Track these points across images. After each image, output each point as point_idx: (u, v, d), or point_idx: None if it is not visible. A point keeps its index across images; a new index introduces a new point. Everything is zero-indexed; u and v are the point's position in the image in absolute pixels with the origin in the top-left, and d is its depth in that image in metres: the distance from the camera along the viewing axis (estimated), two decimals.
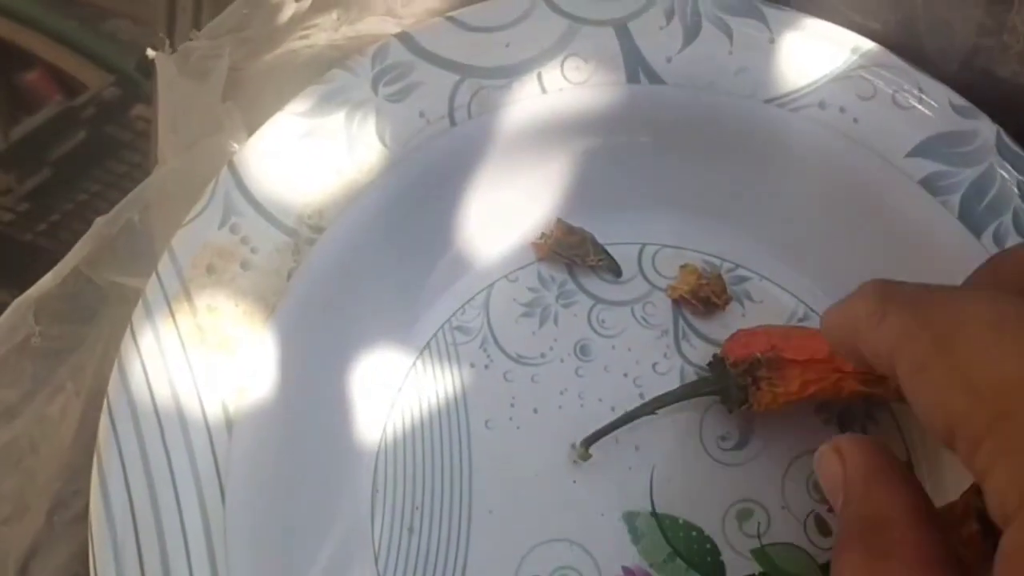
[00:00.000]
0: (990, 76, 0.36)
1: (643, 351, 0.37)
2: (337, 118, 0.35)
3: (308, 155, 0.35)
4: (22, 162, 0.67)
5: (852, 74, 0.37)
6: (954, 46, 0.36)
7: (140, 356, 0.32)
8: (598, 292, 0.38)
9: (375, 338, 0.36)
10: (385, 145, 0.35)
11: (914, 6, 0.36)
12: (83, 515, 0.31)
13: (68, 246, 0.68)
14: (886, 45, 0.37)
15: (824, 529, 0.35)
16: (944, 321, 0.23)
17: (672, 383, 0.37)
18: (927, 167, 0.36)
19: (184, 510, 0.31)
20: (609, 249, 0.38)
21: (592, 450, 0.35)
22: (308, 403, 0.34)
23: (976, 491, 0.28)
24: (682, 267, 0.38)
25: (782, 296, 0.38)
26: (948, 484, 0.35)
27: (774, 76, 0.37)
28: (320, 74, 0.36)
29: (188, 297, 0.33)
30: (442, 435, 0.36)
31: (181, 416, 0.31)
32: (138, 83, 0.68)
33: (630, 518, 0.35)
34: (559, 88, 0.37)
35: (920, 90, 0.37)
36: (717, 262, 0.39)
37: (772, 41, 0.37)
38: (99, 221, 0.32)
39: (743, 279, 0.38)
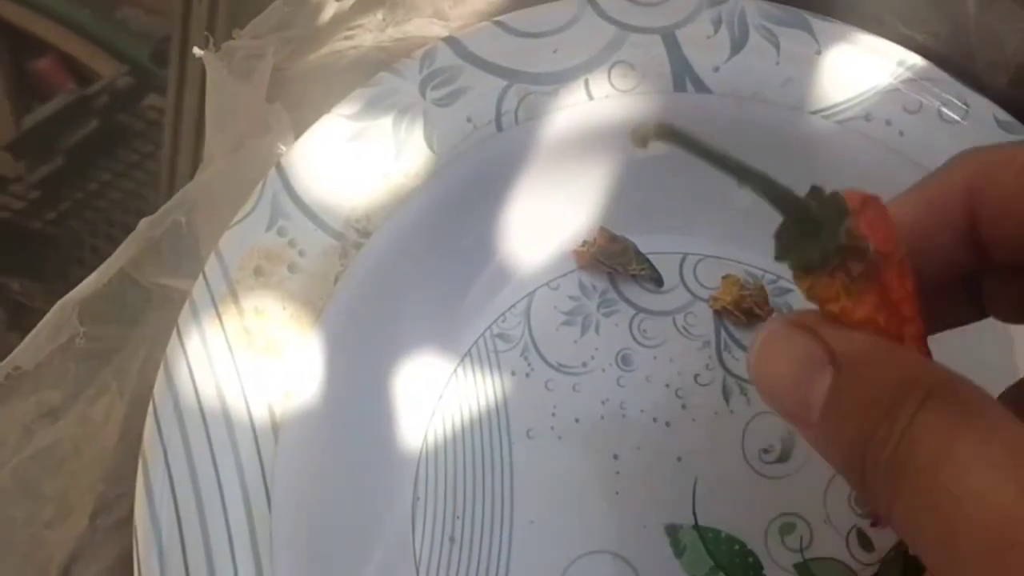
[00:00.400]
0: None
1: (685, 362, 0.37)
2: (385, 122, 0.35)
3: (356, 158, 0.34)
4: (34, 150, 0.66)
5: (898, 87, 0.37)
6: (1005, 59, 0.36)
7: (186, 358, 0.31)
8: (639, 301, 0.38)
9: (417, 344, 0.36)
10: (432, 150, 0.35)
11: (965, 19, 0.36)
12: (126, 519, 0.31)
13: (78, 235, 0.67)
14: (935, 57, 0.37)
15: (867, 544, 0.35)
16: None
17: (715, 395, 0.36)
18: None
19: (230, 515, 0.30)
20: (651, 258, 0.38)
21: (633, 462, 0.35)
22: (352, 408, 0.34)
23: None
24: (724, 278, 0.38)
25: None
26: None
27: (820, 88, 0.37)
28: (366, 76, 0.36)
29: (235, 299, 0.32)
30: (483, 444, 0.36)
31: (227, 420, 0.31)
32: (151, 73, 0.68)
33: (672, 530, 0.35)
34: (606, 95, 0.36)
35: (966, 104, 0.36)
36: (759, 273, 0.39)
37: (819, 53, 0.37)
38: (144, 222, 0.32)
39: (785, 291, 0.38)
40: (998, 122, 0.36)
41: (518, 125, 0.36)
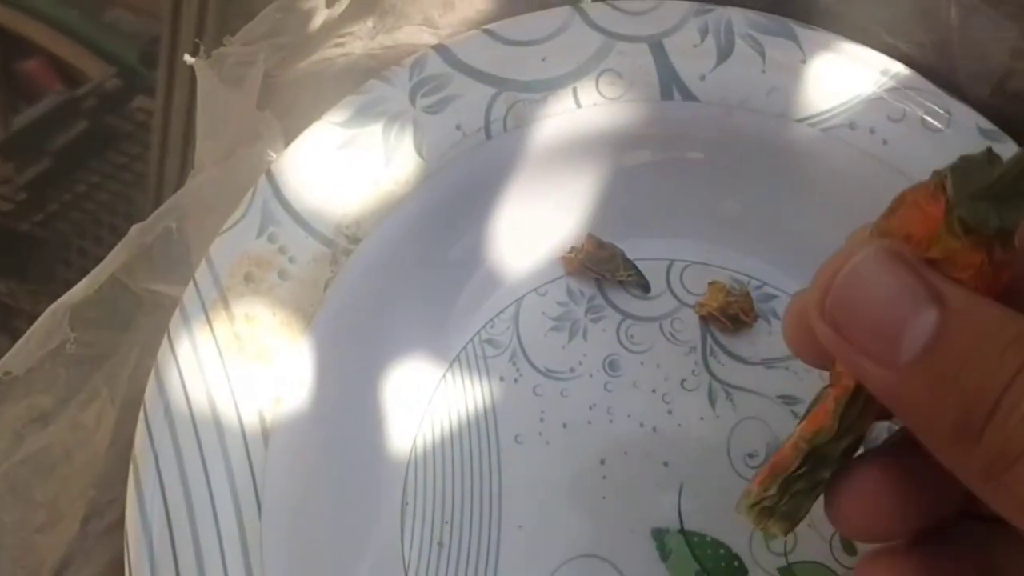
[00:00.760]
0: (1023, 100, 0.36)
1: (671, 367, 0.38)
2: (375, 129, 0.35)
3: (346, 165, 0.35)
4: (22, 152, 0.67)
5: (882, 96, 0.37)
6: (987, 69, 0.36)
7: (177, 364, 0.32)
8: (627, 307, 0.38)
9: (406, 350, 0.36)
10: (422, 157, 0.35)
11: (948, 29, 0.36)
12: (118, 524, 0.31)
13: (65, 237, 0.67)
14: (919, 67, 0.37)
15: (850, 548, 0.36)
16: None
17: (701, 400, 0.37)
18: None
19: (220, 520, 0.31)
20: (638, 265, 0.39)
21: (620, 467, 0.35)
22: (342, 414, 0.34)
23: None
24: (710, 284, 0.38)
25: None
26: None
27: (805, 96, 0.37)
28: (356, 83, 0.36)
29: (226, 306, 0.32)
30: (471, 449, 0.36)
31: (218, 425, 0.31)
32: (140, 75, 0.68)
33: (659, 535, 0.35)
34: (594, 103, 0.37)
35: (949, 113, 0.37)
36: (745, 279, 0.39)
37: (804, 61, 0.37)
38: (135, 228, 0.32)
39: (770, 297, 0.39)
40: (980, 131, 0.37)
41: (507, 132, 0.36)
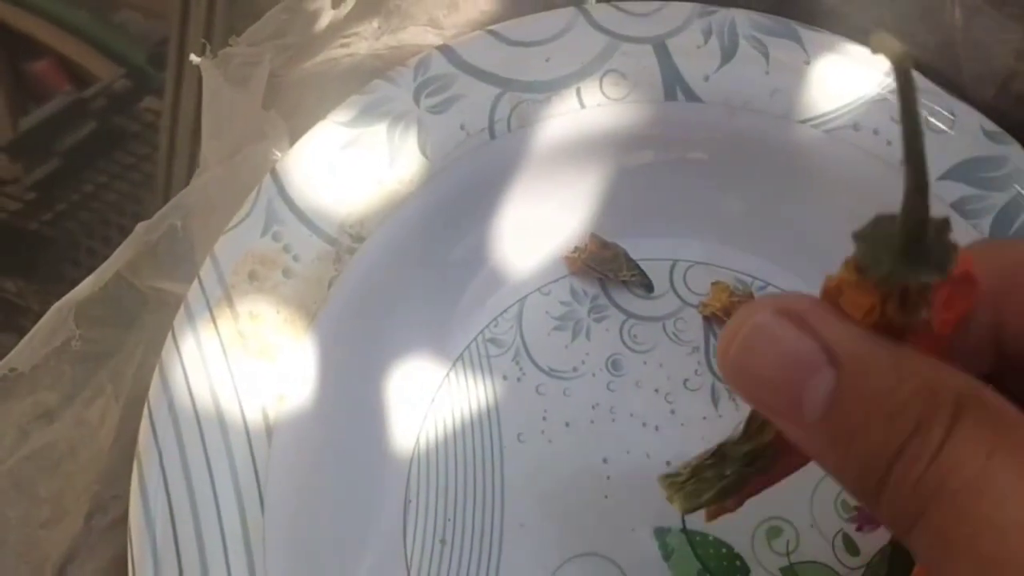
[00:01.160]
0: None
1: (674, 367, 0.38)
2: (379, 129, 0.35)
3: (350, 165, 0.35)
4: (30, 152, 0.67)
5: (886, 97, 0.37)
6: (991, 71, 0.36)
7: (182, 361, 0.32)
8: (630, 307, 0.39)
9: (410, 348, 0.36)
10: (426, 157, 0.36)
11: (952, 30, 0.36)
12: (121, 520, 0.31)
13: (73, 236, 0.68)
14: (923, 68, 0.37)
15: (852, 548, 0.36)
16: None
17: (703, 400, 0.37)
18: (958, 191, 0.36)
19: (224, 516, 0.31)
20: (641, 265, 0.39)
21: (622, 466, 0.36)
22: (345, 412, 0.34)
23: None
24: (713, 284, 0.39)
25: None
26: None
27: (809, 97, 0.37)
28: (361, 83, 0.36)
29: (230, 303, 0.33)
30: (474, 447, 0.36)
31: (222, 422, 0.31)
32: (149, 75, 0.68)
33: (661, 534, 0.35)
34: (597, 103, 0.37)
35: (952, 115, 0.37)
36: (748, 280, 0.39)
37: (807, 63, 0.37)
38: (141, 226, 0.33)
39: None
40: (985, 132, 0.37)
41: (511, 133, 0.36)
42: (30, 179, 0.67)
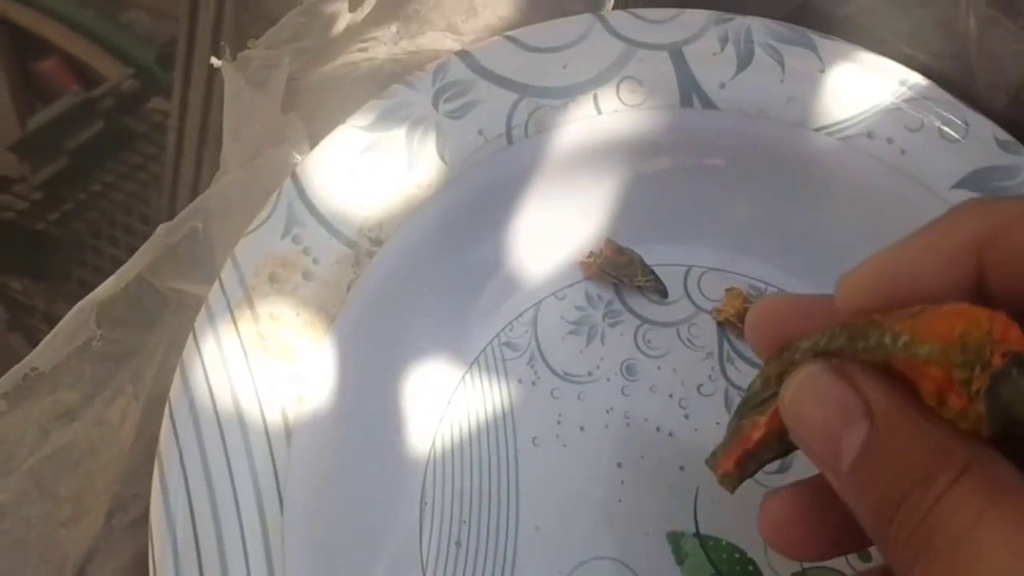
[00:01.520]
0: None
1: (688, 372, 0.38)
2: (398, 133, 0.36)
3: (369, 169, 0.35)
4: (38, 151, 0.67)
5: (900, 106, 0.37)
6: (1005, 80, 0.36)
7: (202, 362, 0.32)
8: (644, 312, 0.39)
9: (427, 351, 0.37)
10: (444, 161, 0.36)
11: (966, 40, 0.37)
12: (141, 519, 0.31)
13: (80, 236, 0.68)
14: (937, 77, 0.37)
15: (864, 554, 0.36)
16: None
17: (717, 406, 0.37)
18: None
19: (243, 516, 0.31)
20: (656, 270, 0.39)
21: (636, 470, 0.36)
22: (363, 413, 0.34)
23: None
24: (727, 290, 0.39)
25: None
26: None
27: (824, 105, 0.38)
28: (380, 88, 0.36)
29: (250, 305, 0.33)
30: (490, 450, 0.36)
31: (242, 423, 0.32)
32: (156, 76, 0.68)
33: (674, 538, 0.35)
34: (614, 110, 0.37)
35: (966, 124, 0.37)
36: (762, 286, 0.39)
37: (823, 71, 0.38)
38: (162, 228, 0.33)
39: None
40: (998, 142, 0.37)
41: (528, 138, 0.37)
42: (37, 179, 0.67)
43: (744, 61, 0.38)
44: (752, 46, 0.38)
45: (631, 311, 0.39)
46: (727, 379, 0.38)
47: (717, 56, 0.38)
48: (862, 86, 0.38)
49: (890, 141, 0.37)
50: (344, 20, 0.37)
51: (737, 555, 0.35)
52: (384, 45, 0.37)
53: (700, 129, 0.38)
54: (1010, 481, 0.20)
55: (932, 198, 0.37)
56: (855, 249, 0.38)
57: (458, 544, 0.35)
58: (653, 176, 0.39)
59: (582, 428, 0.37)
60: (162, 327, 0.33)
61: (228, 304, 0.33)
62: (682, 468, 0.36)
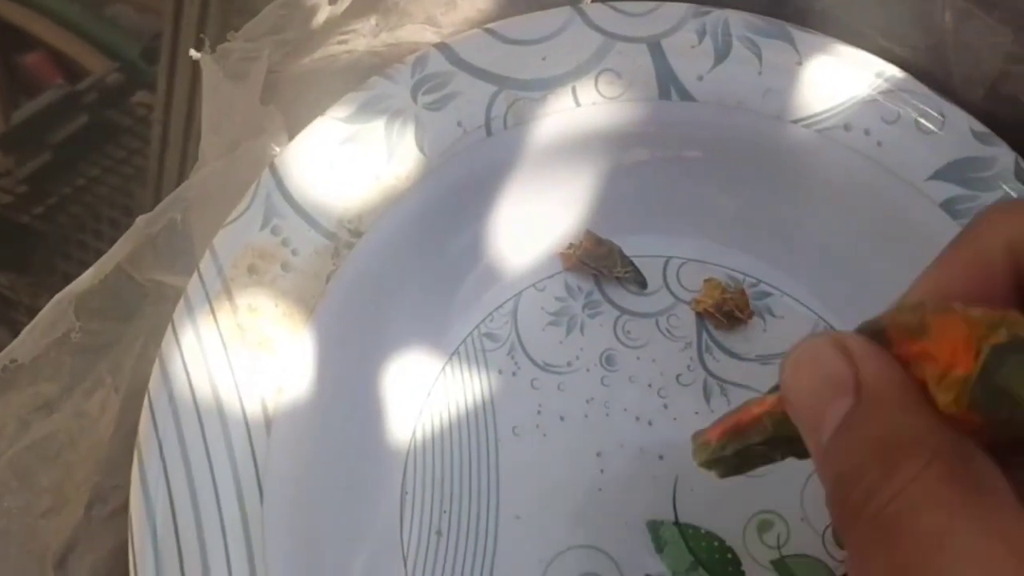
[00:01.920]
0: (1016, 103, 0.37)
1: (667, 362, 0.38)
2: (377, 125, 0.36)
3: (348, 160, 0.35)
4: (22, 145, 0.67)
5: (877, 98, 0.38)
6: (981, 73, 0.37)
7: (181, 353, 0.32)
8: (624, 303, 0.39)
9: (407, 342, 0.37)
10: (423, 153, 0.36)
11: (942, 33, 0.37)
12: (121, 510, 0.32)
13: (65, 230, 0.68)
14: (914, 70, 0.38)
15: (842, 542, 0.36)
16: None
17: (696, 395, 0.37)
18: (948, 191, 0.37)
19: (223, 506, 0.31)
20: (635, 261, 0.39)
21: (616, 459, 0.36)
22: (343, 404, 0.34)
23: None
24: (706, 281, 0.39)
25: (803, 312, 0.39)
26: None
27: (801, 97, 0.38)
28: (359, 80, 0.37)
29: (229, 296, 0.33)
30: (470, 440, 0.37)
31: (221, 414, 0.32)
32: (141, 70, 0.68)
33: (654, 526, 0.36)
34: (593, 102, 0.37)
35: (942, 116, 0.37)
36: (740, 277, 0.39)
37: (800, 64, 0.38)
38: (141, 219, 0.33)
39: (765, 294, 0.39)
40: (974, 133, 0.37)
41: (507, 130, 0.37)
42: (22, 172, 0.67)
43: (722, 54, 0.38)
44: (730, 39, 0.38)
45: (610, 302, 0.39)
46: (705, 369, 0.38)
47: (695, 49, 0.38)
48: (839, 78, 0.38)
49: (867, 133, 0.37)
50: (324, 13, 0.37)
51: (716, 543, 0.36)
52: (363, 38, 0.37)
53: (678, 121, 0.38)
54: (986, 472, 0.19)
55: (908, 189, 0.37)
56: (832, 239, 0.39)
57: (439, 533, 0.35)
58: (632, 168, 0.39)
59: (562, 418, 0.37)
60: (141, 318, 0.33)
61: (207, 295, 0.33)
62: (661, 457, 0.37)
